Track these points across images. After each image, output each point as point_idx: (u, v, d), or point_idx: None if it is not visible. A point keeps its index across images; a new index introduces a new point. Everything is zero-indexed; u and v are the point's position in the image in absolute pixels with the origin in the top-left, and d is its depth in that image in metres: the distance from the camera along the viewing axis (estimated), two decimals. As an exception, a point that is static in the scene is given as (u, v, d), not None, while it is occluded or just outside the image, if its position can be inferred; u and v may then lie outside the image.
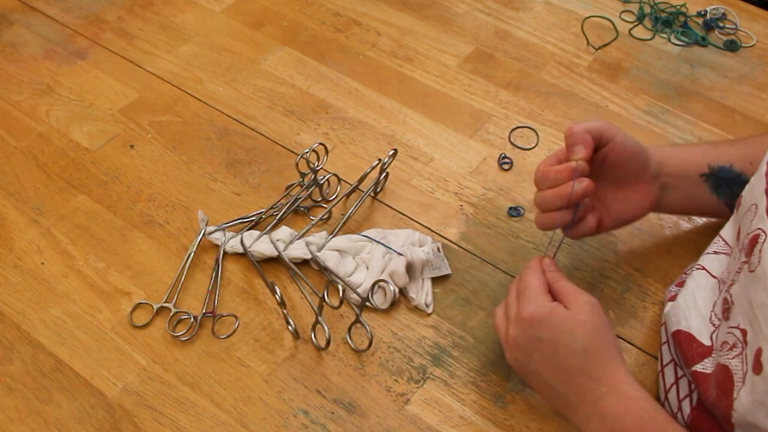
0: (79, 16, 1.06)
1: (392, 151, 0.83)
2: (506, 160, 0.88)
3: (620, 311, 0.75)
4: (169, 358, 0.71)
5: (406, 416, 0.67)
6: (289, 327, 0.72)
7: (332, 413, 0.67)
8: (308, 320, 0.73)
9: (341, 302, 0.68)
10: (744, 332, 0.55)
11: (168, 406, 0.67)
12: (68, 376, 0.69)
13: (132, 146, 0.89)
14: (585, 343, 0.60)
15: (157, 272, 0.77)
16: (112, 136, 0.90)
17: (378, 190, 0.84)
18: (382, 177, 0.83)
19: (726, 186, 0.73)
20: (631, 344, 0.73)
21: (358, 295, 0.73)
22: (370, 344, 0.70)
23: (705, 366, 0.60)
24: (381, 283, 0.68)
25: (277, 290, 0.71)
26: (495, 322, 0.66)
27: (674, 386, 0.65)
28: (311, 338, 0.71)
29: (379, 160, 0.81)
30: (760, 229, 0.56)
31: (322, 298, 0.69)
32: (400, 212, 0.83)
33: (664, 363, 0.69)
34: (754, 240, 0.56)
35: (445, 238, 0.80)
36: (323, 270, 0.75)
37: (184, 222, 0.81)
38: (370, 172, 0.82)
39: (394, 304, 0.71)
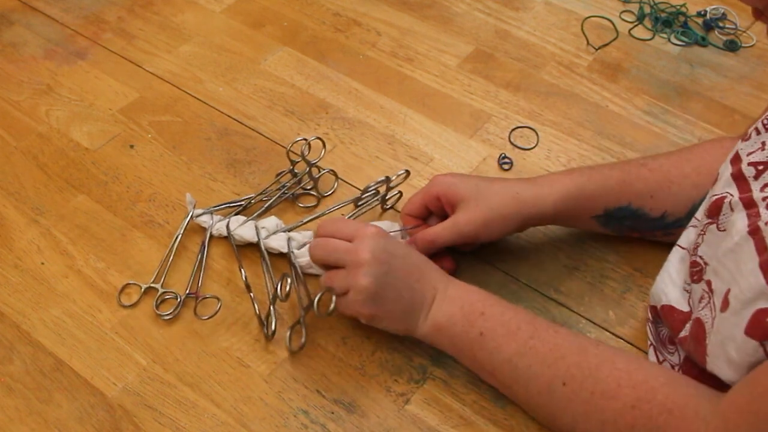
0: (79, 16, 1.06)
1: (403, 171, 0.82)
2: (506, 160, 0.88)
3: (620, 311, 0.75)
4: (169, 358, 0.71)
5: (406, 416, 0.67)
6: (255, 311, 0.73)
7: (332, 413, 0.67)
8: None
9: (287, 295, 0.70)
10: (709, 283, 0.58)
11: (168, 406, 0.67)
12: (68, 376, 0.69)
13: (132, 146, 0.89)
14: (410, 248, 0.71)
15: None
16: (112, 136, 0.90)
17: (387, 207, 0.83)
18: (394, 195, 0.83)
19: (617, 221, 0.75)
20: (631, 344, 0.73)
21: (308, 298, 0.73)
22: (302, 347, 0.71)
23: (686, 330, 0.62)
24: (326, 294, 0.69)
25: (243, 273, 0.73)
26: (329, 278, 0.68)
27: None
28: (263, 327, 0.72)
29: (387, 177, 0.81)
30: (727, 192, 0.58)
31: (276, 289, 0.70)
32: (400, 212, 0.83)
33: (648, 346, 0.71)
34: (719, 202, 0.59)
35: (445, 238, 0.80)
36: (291, 266, 0.75)
37: (192, 228, 0.81)
38: (375, 186, 0.81)
39: (332, 313, 0.69)
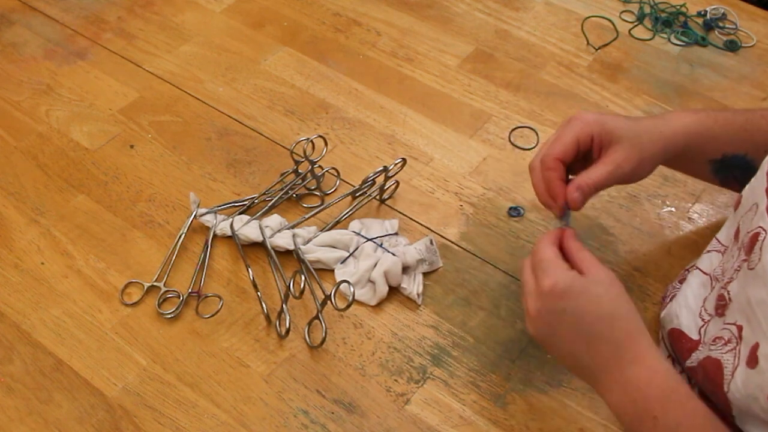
0: (79, 16, 1.06)
1: (399, 160, 0.82)
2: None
3: (620, 311, 0.75)
4: (169, 358, 0.71)
5: (406, 416, 0.67)
6: (263, 310, 0.73)
7: (332, 413, 0.67)
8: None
9: (302, 292, 0.70)
10: (740, 328, 0.55)
11: (168, 406, 0.67)
12: (68, 376, 0.69)
13: (132, 146, 0.89)
14: (611, 309, 0.59)
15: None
16: (112, 136, 0.90)
17: (384, 197, 0.84)
18: (391, 185, 0.83)
19: (727, 170, 0.72)
20: (631, 344, 0.73)
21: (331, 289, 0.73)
22: (323, 342, 0.71)
23: (692, 360, 0.61)
24: (342, 285, 0.69)
25: (251, 272, 0.73)
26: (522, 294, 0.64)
27: None
28: (275, 325, 0.72)
29: (384, 167, 0.81)
30: (760, 227, 0.56)
31: (288, 287, 0.70)
32: (400, 212, 0.83)
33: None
34: (755, 238, 0.56)
35: (445, 238, 0.81)
36: (301, 263, 0.76)
37: (184, 222, 0.81)
38: (374, 177, 0.82)
39: (350, 306, 0.71)
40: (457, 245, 0.80)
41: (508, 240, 0.81)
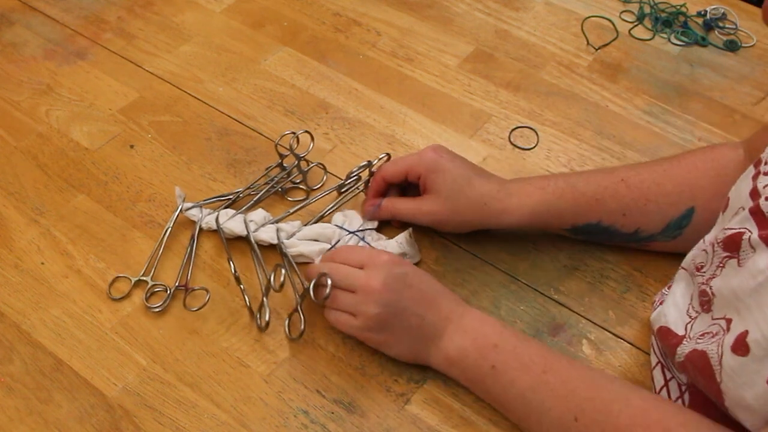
0: (79, 16, 1.06)
1: (384, 155, 0.82)
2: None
3: (620, 311, 0.75)
4: (169, 358, 0.71)
5: (406, 416, 0.67)
6: (246, 303, 0.73)
7: (332, 413, 0.67)
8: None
9: (281, 285, 0.71)
10: (729, 321, 0.56)
11: (168, 406, 0.67)
12: (68, 376, 0.69)
13: (132, 146, 0.89)
14: (434, 278, 0.69)
15: (157, 272, 0.77)
16: (112, 136, 0.90)
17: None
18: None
19: (585, 234, 0.77)
20: (631, 344, 0.73)
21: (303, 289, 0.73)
22: (301, 335, 0.71)
23: (679, 355, 0.61)
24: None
25: (233, 265, 0.74)
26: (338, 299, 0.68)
27: (664, 388, 0.66)
28: (256, 318, 0.73)
29: (368, 162, 0.81)
30: (746, 228, 0.57)
31: (269, 281, 0.70)
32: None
33: (653, 366, 0.69)
34: (738, 237, 0.57)
35: (445, 238, 0.81)
36: (283, 256, 0.76)
37: (184, 222, 0.81)
38: (358, 172, 0.82)
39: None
40: (457, 245, 0.80)
41: (508, 240, 0.81)
